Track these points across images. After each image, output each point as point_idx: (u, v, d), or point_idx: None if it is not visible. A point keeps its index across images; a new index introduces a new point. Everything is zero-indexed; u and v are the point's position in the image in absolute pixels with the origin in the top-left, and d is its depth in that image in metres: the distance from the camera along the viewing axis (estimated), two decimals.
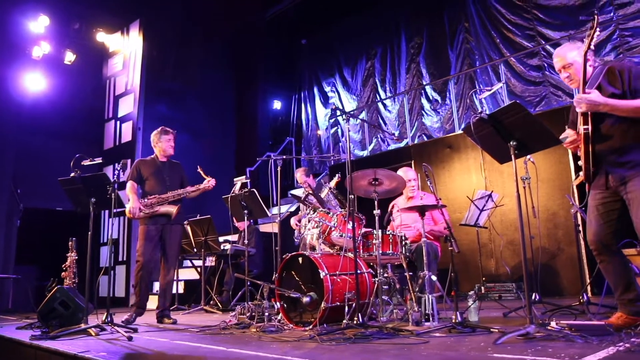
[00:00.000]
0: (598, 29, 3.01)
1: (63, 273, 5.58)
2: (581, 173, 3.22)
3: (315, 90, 12.54)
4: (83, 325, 4.08)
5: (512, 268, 6.69)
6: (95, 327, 4.08)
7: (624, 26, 7.48)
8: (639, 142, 3.01)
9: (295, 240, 6.37)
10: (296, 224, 6.36)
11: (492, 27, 9.14)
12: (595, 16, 3.01)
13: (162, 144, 5.51)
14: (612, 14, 7.65)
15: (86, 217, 4.50)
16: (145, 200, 5.25)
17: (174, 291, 6.76)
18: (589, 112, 3.04)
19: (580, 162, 3.19)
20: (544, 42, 8.33)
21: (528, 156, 4.72)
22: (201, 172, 5.41)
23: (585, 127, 3.06)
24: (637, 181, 2.98)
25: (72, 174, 4.56)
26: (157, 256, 5.32)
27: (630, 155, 3.02)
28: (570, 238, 6.23)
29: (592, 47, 3.03)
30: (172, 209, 5.20)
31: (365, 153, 10.62)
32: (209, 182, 5.40)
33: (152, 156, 5.59)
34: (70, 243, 5.63)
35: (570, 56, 3.21)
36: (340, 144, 11.43)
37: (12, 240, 7.76)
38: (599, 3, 7.79)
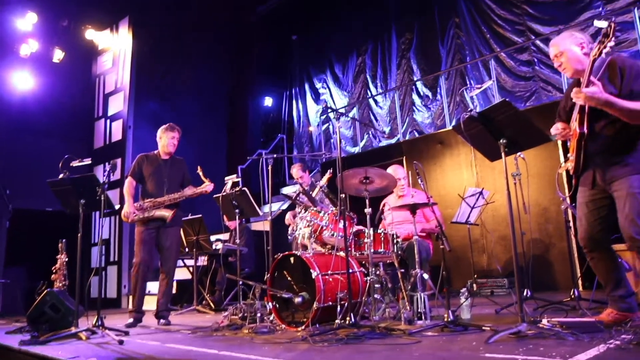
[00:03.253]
0: (613, 38, 2.89)
1: (53, 275, 5.53)
2: (569, 163, 3.23)
3: (307, 86, 12.50)
4: (73, 329, 4.04)
5: (504, 263, 6.72)
6: (86, 331, 4.04)
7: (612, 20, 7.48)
8: (629, 143, 3.02)
9: (289, 237, 6.34)
10: (291, 220, 6.32)
11: (483, 22, 9.13)
12: (612, 24, 2.89)
13: (164, 140, 5.46)
14: (600, 8, 7.66)
15: (76, 218, 4.45)
16: (140, 203, 5.20)
17: None
18: (586, 113, 3.03)
19: (570, 155, 3.20)
20: (533, 37, 8.33)
21: (518, 153, 4.72)
22: (201, 174, 5.33)
23: (581, 127, 3.05)
24: (624, 180, 2.99)
25: (61, 175, 4.52)
26: (153, 259, 5.27)
27: (620, 155, 3.03)
28: (562, 233, 6.25)
29: (603, 54, 2.94)
30: (167, 214, 5.14)
31: (356, 149, 10.61)
32: (206, 187, 5.32)
33: (155, 152, 5.52)
34: (60, 245, 5.59)
35: (563, 44, 3.21)
36: (332, 140, 11.41)
37: (1, 242, 7.68)
38: None
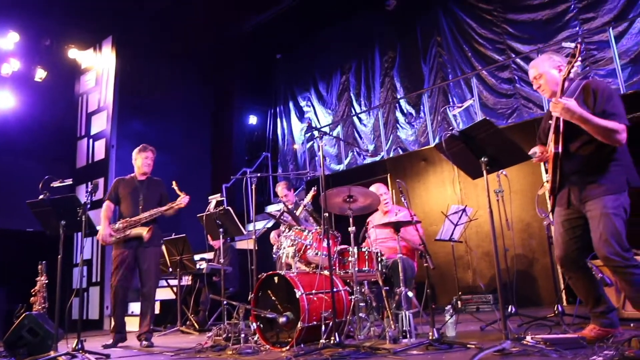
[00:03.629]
0: (580, 59, 3.07)
1: (32, 298, 5.42)
2: (547, 185, 3.30)
3: (291, 104, 12.55)
4: (52, 354, 3.94)
5: (488, 279, 6.74)
6: (65, 355, 3.95)
7: (589, 40, 7.67)
8: (603, 164, 3.09)
9: (274, 256, 6.31)
10: (275, 239, 6.30)
11: (464, 41, 9.29)
12: (578, 45, 3.06)
13: (139, 161, 5.45)
14: (577, 28, 7.85)
15: (57, 239, 4.39)
16: (116, 224, 5.17)
17: None
18: (561, 133, 3.10)
19: (547, 177, 3.27)
20: (514, 56, 8.49)
21: (501, 170, 4.76)
22: (176, 189, 5.29)
23: (556, 147, 3.12)
24: (598, 201, 3.05)
25: (41, 196, 4.45)
26: (132, 280, 5.24)
27: (594, 175, 3.10)
28: (544, 248, 6.30)
29: (571, 74, 3.11)
30: (143, 231, 5.11)
31: (341, 167, 10.64)
32: (181, 199, 5.25)
33: (132, 174, 5.51)
34: (39, 266, 5.49)
35: (542, 67, 3.31)
36: (317, 158, 11.43)
37: None
38: (565, 17, 7.99)
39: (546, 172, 3.31)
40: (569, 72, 3.09)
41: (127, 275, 5.18)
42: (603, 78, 7.47)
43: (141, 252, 5.19)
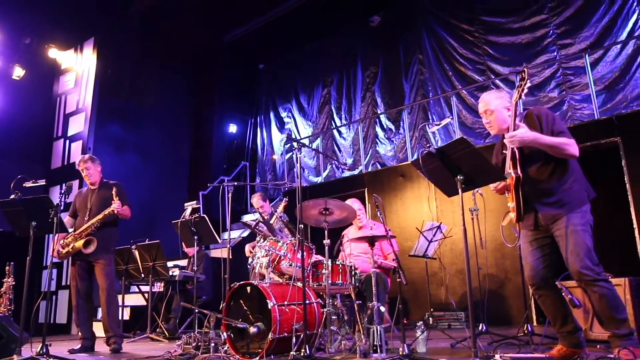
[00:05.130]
0: (529, 82, 3.23)
1: None
2: (511, 214, 3.37)
3: (272, 115, 12.55)
4: (15, 358, 3.86)
5: (461, 297, 6.78)
6: (29, 359, 3.87)
7: (566, 65, 7.86)
8: (563, 182, 3.21)
9: (248, 267, 6.28)
10: (250, 251, 6.27)
11: (445, 60, 9.43)
12: (525, 69, 3.23)
13: (82, 174, 5.38)
14: (555, 53, 8.04)
15: (27, 240, 4.31)
16: (65, 240, 5.09)
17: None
18: (518, 159, 3.21)
19: (510, 204, 3.35)
20: (493, 77, 8.64)
21: (476, 189, 4.82)
22: (113, 194, 5.01)
23: (515, 171, 3.22)
24: (564, 220, 3.15)
25: (12, 196, 4.38)
26: (89, 290, 5.20)
27: (556, 195, 3.20)
28: (517, 268, 6.34)
29: (522, 97, 3.25)
30: (81, 244, 4.94)
31: (319, 179, 10.65)
32: (112, 207, 4.97)
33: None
34: (7, 267, 5.38)
35: (493, 104, 3.44)
36: (295, 169, 11.43)
37: None
38: (543, 42, 8.18)
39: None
40: (521, 95, 3.23)
41: (82, 286, 5.13)
42: (578, 103, 7.66)
43: (93, 265, 5.12)
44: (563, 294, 3.40)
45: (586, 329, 4.05)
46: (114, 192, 4.99)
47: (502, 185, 3.41)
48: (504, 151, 3.39)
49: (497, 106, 3.41)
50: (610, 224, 5.75)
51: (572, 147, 3.12)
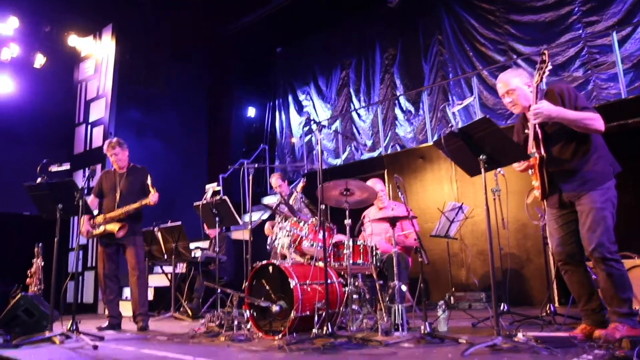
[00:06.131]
0: (550, 64, 3.21)
1: (28, 279, 5.45)
2: (535, 192, 3.38)
3: (290, 98, 12.53)
4: (47, 333, 3.98)
5: (482, 277, 6.77)
6: (60, 335, 3.99)
7: (592, 43, 7.69)
8: (586, 160, 3.19)
9: (268, 247, 6.33)
10: (270, 230, 6.31)
11: (466, 40, 9.29)
12: (546, 52, 3.21)
13: (111, 159, 5.46)
14: (581, 31, 7.86)
15: (53, 223, 4.40)
16: (96, 219, 5.25)
17: None
18: (541, 139, 3.21)
19: (535, 183, 3.34)
20: (515, 57, 8.49)
21: (498, 169, 4.79)
22: (149, 183, 5.18)
23: (539, 151, 3.22)
24: (587, 196, 3.16)
25: (39, 180, 4.46)
26: (117, 270, 5.36)
27: (579, 173, 3.20)
28: (539, 249, 6.32)
29: (544, 79, 3.23)
30: (115, 228, 5.12)
31: (338, 162, 10.65)
32: (150, 197, 5.13)
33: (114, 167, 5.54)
34: (36, 249, 5.51)
35: (514, 82, 3.41)
36: (314, 151, 11.43)
37: None
38: (568, 20, 8.00)
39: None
40: (542, 78, 3.21)
41: (111, 268, 5.29)
42: (604, 82, 7.50)
43: (122, 248, 5.29)
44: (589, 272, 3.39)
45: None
46: (149, 183, 5.15)
47: (525, 165, 3.38)
48: (525, 131, 3.37)
49: (517, 84, 3.39)
50: (638, 205, 5.66)
51: (597, 121, 3.09)
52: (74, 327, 4.07)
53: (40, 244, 5.57)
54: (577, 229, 3.24)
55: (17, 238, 7.58)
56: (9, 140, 9.29)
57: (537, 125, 3.23)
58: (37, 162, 4.76)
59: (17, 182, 5.09)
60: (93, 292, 8.82)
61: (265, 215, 8.92)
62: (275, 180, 6.46)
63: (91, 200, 5.40)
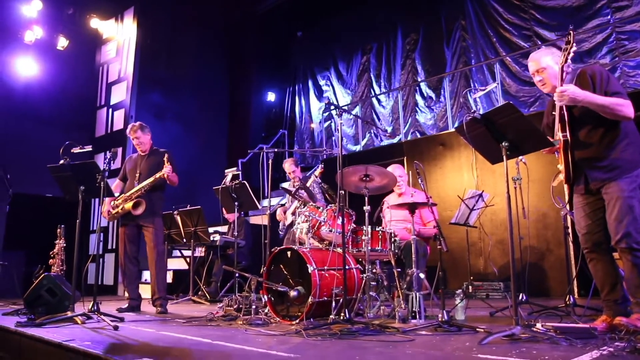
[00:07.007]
0: (575, 45, 3.14)
1: (51, 260, 5.55)
2: (561, 176, 3.32)
3: (310, 83, 12.48)
4: (69, 313, 4.05)
5: (500, 267, 6.72)
6: (82, 315, 4.06)
7: (620, 29, 7.49)
8: (613, 147, 3.12)
9: (280, 232, 6.33)
10: (282, 215, 6.32)
11: (489, 25, 9.12)
12: (571, 32, 3.14)
13: (133, 142, 5.54)
14: (609, 16, 7.65)
15: (75, 205, 4.45)
16: (116, 201, 5.31)
17: None
18: (567, 122, 3.14)
19: (560, 166, 3.28)
20: (540, 43, 8.31)
21: (520, 157, 4.72)
22: (165, 159, 5.18)
23: (564, 134, 3.16)
24: (614, 184, 3.10)
25: (62, 161, 4.51)
26: (137, 252, 5.41)
27: (606, 160, 3.13)
28: (559, 239, 6.25)
29: (569, 60, 3.15)
30: (130, 205, 5.16)
31: (358, 148, 10.61)
32: (163, 170, 5.13)
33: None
34: (58, 230, 5.60)
35: (544, 61, 3.35)
36: (334, 137, 11.40)
37: (0, 226, 7.69)
38: (596, 5, 7.79)
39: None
40: (567, 59, 3.14)
41: (131, 250, 5.34)
42: (632, 70, 7.32)
43: (142, 229, 5.34)
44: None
45: None
46: (165, 158, 5.16)
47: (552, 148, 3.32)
48: (553, 112, 3.30)
49: (548, 63, 3.32)
50: None
51: (626, 107, 3.02)
52: (95, 308, 4.13)
53: (62, 226, 5.65)
54: (604, 217, 3.18)
55: (41, 219, 7.71)
56: (32, 121, 9.42)
57: (564, 108, 3.16)
58: (59, 143, 4.81)
59: (40, 162, 5.17)
60: (113, 274, 8.95)
61: (284, 201, 8.95)
62: (288, 165, 6.46)
63: (117, 184, 5.50)
